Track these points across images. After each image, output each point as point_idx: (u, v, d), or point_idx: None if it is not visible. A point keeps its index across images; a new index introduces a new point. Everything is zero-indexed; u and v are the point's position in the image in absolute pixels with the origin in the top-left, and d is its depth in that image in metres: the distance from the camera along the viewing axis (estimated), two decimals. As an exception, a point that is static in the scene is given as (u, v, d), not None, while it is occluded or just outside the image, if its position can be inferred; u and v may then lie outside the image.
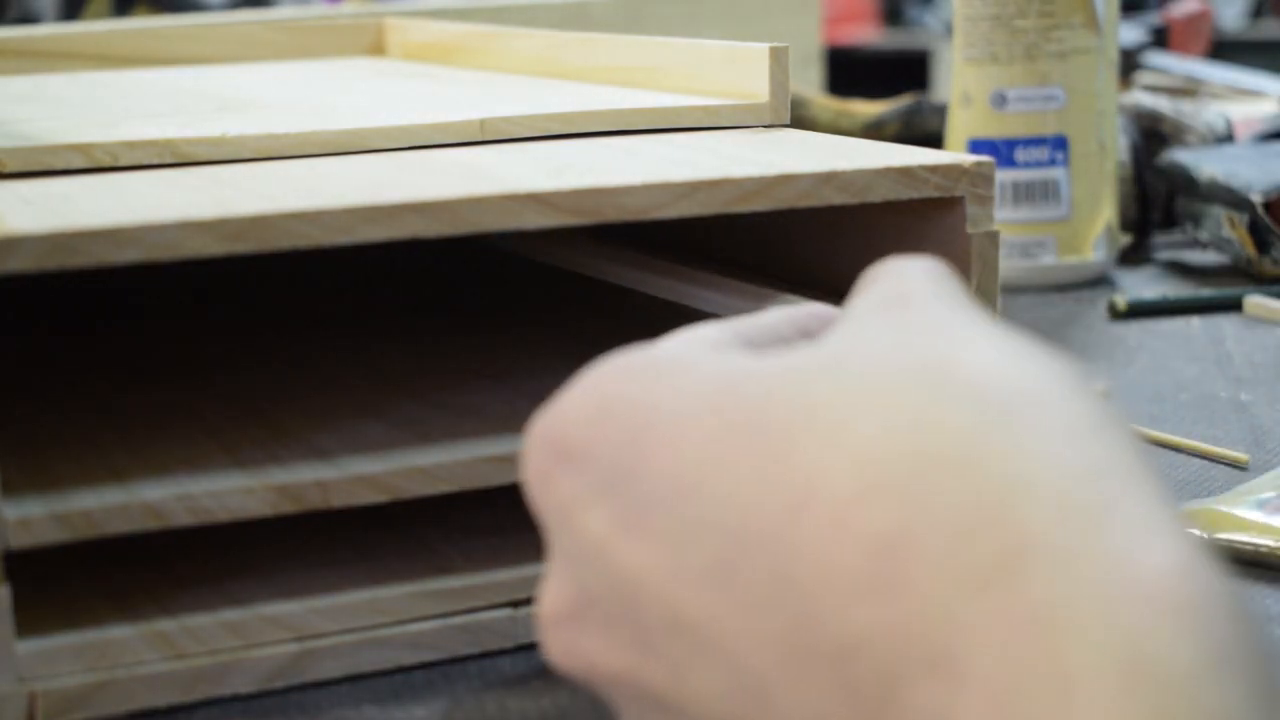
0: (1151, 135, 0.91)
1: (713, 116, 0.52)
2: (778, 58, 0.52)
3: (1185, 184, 0.84)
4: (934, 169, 0.42)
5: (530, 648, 0.41)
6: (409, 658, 0.40)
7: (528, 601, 0.41)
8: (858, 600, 0.24)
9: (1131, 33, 1.13)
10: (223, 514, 0.38)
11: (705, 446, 0.28)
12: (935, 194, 0.42)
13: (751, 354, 0.30)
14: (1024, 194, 0.80)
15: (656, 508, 0.28)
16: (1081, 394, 0.26)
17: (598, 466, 0.29)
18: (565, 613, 0.30)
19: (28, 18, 2.60)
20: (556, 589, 0.30)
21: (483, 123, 0.50)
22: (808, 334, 0.33)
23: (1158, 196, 0.89)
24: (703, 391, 0.29)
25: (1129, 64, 1.04)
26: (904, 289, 0.30)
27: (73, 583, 0.41)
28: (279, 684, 0.39)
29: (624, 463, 0.29)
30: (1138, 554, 0.23)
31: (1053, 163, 0.80)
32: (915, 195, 0.42)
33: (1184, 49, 1.25)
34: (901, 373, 0.27)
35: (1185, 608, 0.22)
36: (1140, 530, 0.23)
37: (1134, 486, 0.24)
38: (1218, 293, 0.77)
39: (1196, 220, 0.84)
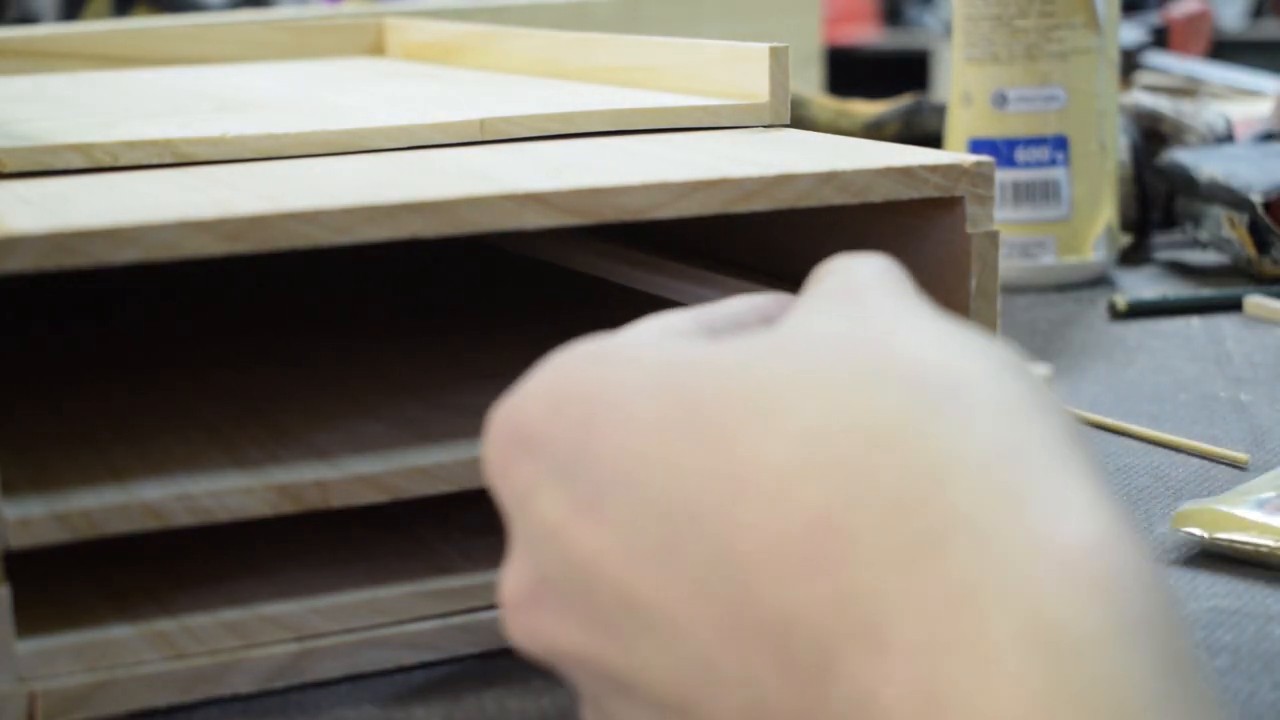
0: (1151, 135, 0.91)
1: (712, 116, 0.52)
2: (778, 58, 0.52)
3: (1185, 184, 0.84)
4: (934, 169, 0.42)
5: (530, 648, 0.41)
6: (409, 658, 0.40)
7: (528, 601, 0.41)
8: (793, 576, 0.25)
9: (1131, 33, 1.13)
10: (223, 514, 0.38)
11: (652, 433, 0.29)
12: (935, 194, 0.42)
13: (708, 340, 0.31)
14: (1024, 194, 0.80)
15: (608, 492, 0.29)
16: (1015, 377, 0.27)
17: (553, 454, 0.30)
18: (525, 596, 0.31)
19: (28, 18, 2.60)
20: (516, 573, 0.31)
21: (483, 123, 0.50)
22: (769, 320, 0.34)
23: (1158, 196, 0.89)
24: (651, 379, 0.30)
25: (1129, 64, 1.04)
26: (853, 282, 0.31)
27: (73, 583, 0.41)
28: (279, 684, 0.39)
29: (577, 450, 0.30)
30: (1055, 530, 0.24)
31: (1053, 163, 0.80)
32: (915, 195, 0.42)
33: (1184, 49, 1.25)
34: (841, 358, 0.28)
35: (1098, 580, 0.23)
36: (1059, 507, 0.24)
37: (1058, 465, 0.25)
38: (1218, 293, 0.77)
39: (1196, 220, 0.84)
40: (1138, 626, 0.23)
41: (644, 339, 0.32)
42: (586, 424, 0.30)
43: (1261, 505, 0.47)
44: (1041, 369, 0.33)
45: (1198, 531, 0.46)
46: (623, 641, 0.28)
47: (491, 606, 0.41)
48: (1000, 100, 0.80)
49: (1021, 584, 0.23)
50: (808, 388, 0.27)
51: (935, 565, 0.24)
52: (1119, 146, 0.84)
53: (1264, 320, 0.74)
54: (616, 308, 0.57)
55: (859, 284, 0.31)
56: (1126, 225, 0.87)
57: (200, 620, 0.39)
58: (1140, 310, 0.76)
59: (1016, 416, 0.26)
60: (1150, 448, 0.56)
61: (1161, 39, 1.21)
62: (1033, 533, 0.24)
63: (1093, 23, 0.79)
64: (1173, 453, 0.56)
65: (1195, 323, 0.74)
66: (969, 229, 0.43)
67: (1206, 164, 0.83)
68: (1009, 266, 0.81)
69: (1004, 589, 0.23)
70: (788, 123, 0.52)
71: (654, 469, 0.28)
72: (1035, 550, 0.24)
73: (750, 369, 0.28)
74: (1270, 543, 0.45)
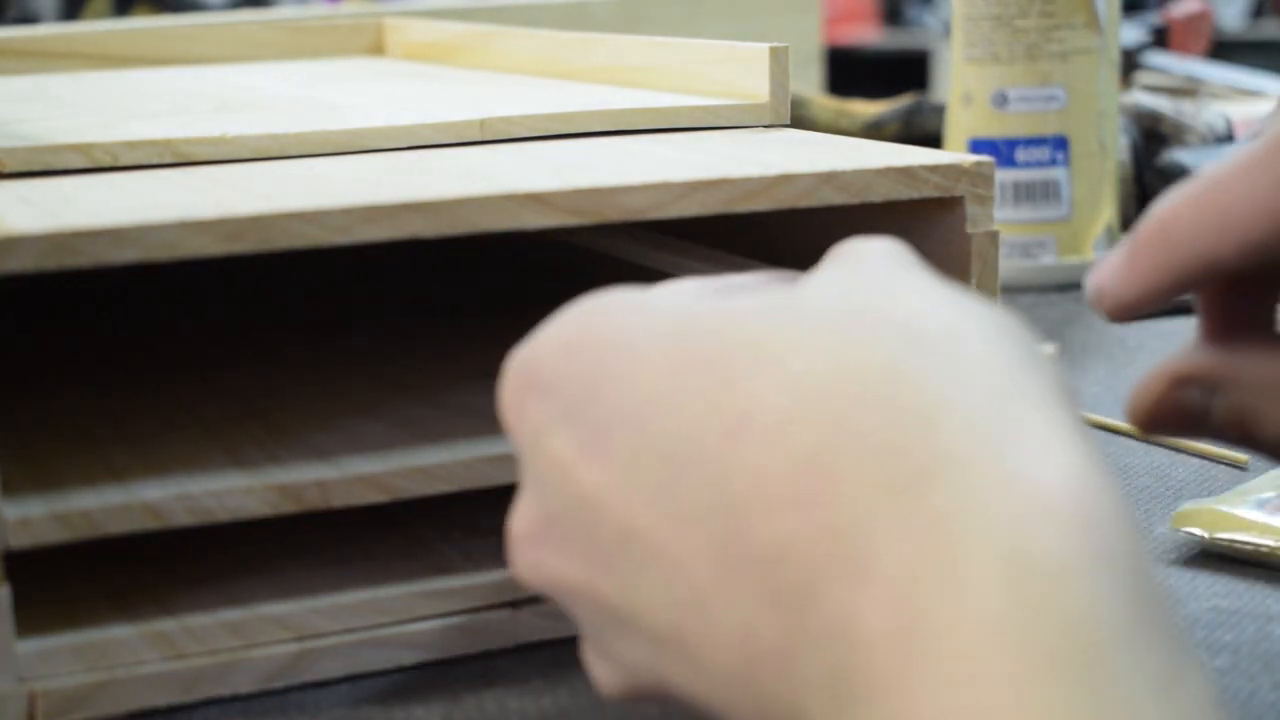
0: (1151, 135, 0.91)
1: (712, 116, 0.52)
2: (778, 58, 0.52)
3: (1185, 184, 0.84)
4: (934, 169, 0.42)
5: (530, 648, 0.41)
6: (409, 658, 0.40)
7: (528, 601, 0.41)
8: (784, 511, 0.26)
9: (1131, 33, 1.13)
10: (223, 514, 0.38)
11: (659, 375, 0.30)
12: (935, 194, 0.42)
13: (719, 299, 0.32)
14: (1024, 194, 0.80)
15: (614, 432, 0.30)
16: (1007, 335, 0.28)
17: (564, 395, 0.32)
18: (531, 532, 0.32)
19: (28, 18, 2.60)
20: (525, 510, 0.33)
21: (483, 123, 0.50)
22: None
23: (1158, 196, 0.89)
24: (661, 327, 0.31)
25: (1129, 64, 1.04)
26: (860, 252, 0.33)
27: (73, 583, 0.41)
28: (279, 684, 0.39)
29: (587, 392, 0.31)
30: (1035, 470, 0.25)
31: (1053, 163, 0.80)
32: (915, 195, 0.42)
33: (1184, 49, 1.25)
34: (840, 311, 0.29)
35: (1072, 516, 0.24)
36: (1041, 451, 0.25)
37: (1042, 414, 0.26)
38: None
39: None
40: (1109, 560, 0.24)
41: (658, 295, 0.33)
42: (597, 368, 0.31)
43: (1261, 505, 0.47)
44: (1047, 347, 0.33)
45: (1198, 531, 0.46)
46: (621, 575, 0.30)
47: (492, 606, 0.41)
48: (1001, 100, 0.80)
49: (1000, 518, 0.24)
50: (807, 337, 0.28)
51: (919, 499, 0.25)
52: (1119, 146, 0.84)
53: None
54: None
55: (866, 253, 0.33)
56: (1126, 225, 0.87)
57: (200, 620, 0.39)
58: (1140, 310, 0.75)
59: (1005, 369, 0.27)
60: (1150, 448, 0.56)
61: (1161, 39, 1.21)
62: (1014, 472, 0.25)
63: (1093, 23, 0.79)
64: (1173, 453, 0.56)
65: (1195, 323, 0.74)
66: (969, 229, 0.43)
67: (1206, 164, 0.83)
68: (1009, 266, 0.81)
69: (983, 522, 0.24)
70: (788, 123, 0.52)
71: (658, 410, 0.29)
72: (1015, 487, 0.25)
73: (754, 319, 0.30)
74: (1270, 543, 0.45)
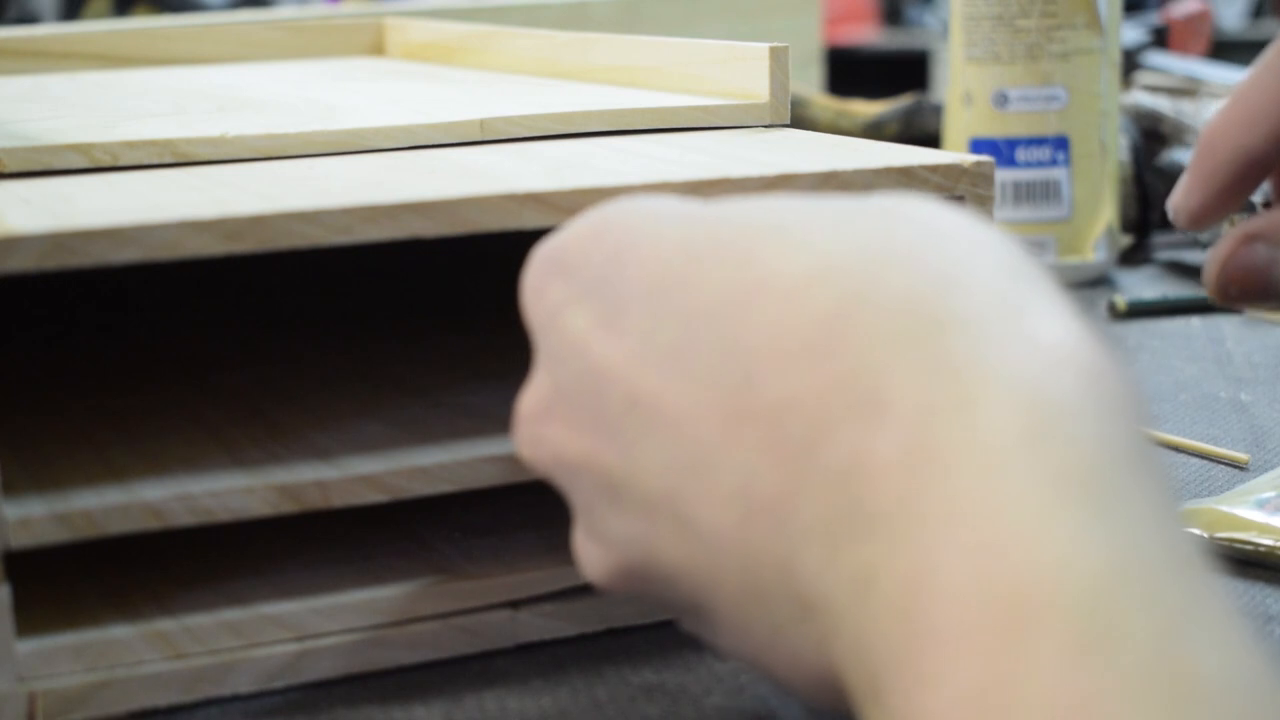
0: (1151, 135, 0.91)
1: (712, 116, 0.52)
2: (778, 58, 0.52)
3: (1185, 184, 0.84)
4: (934, 169, 0.42)
5: (530, 648, 0.41)
6: (409, 658, 0.40)
7: (528, 601, 0.41)
8: (795, 365, 0.27)
9: (1131, 33, 1.13)
10: (223, 514, 0.38)
11: (680, 256, 0.31)
12: (935, 194, 0.42)
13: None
14: (1025, 194, 0.80)
15: (631, 307, 0.31)
16: (1016, 244, 0.29)
17: (585, 276, 0.33)
18: (538, 409, 0.34)
19: (28, 18, 2.60)
20: (534, 389, 0.34)
21: (483, 123, 0.50)
22: None
23: (1158, 196, 0.89)
24: (686, 216, 0.32)
25: (1129, 64, 1.04)
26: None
27: (73, 583, 0.41)
28: (279, 684, 0.39)
29: (608, 272, 0.32)
30: (1045, 330, 0.26)
31: (1054, 163, 0.80)
32: (915, 195, 0.42)
33: (1184, 49, 1.25)
34: (864, 208, 0.30)
35: (1082, 367, 0.25)
36: (1049, 316, 0.27)
37: (1048, 293, 0.27)
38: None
39: (1202, 234, 0.84)
40: (1115, 406, 0.25)
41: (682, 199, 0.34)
42: (619, 250, 0.32)
43: (1261, 505, 0.47)
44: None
45: (1198, 531, 0.46)
46: (624, 442, 0.30)
47: (492, 606, 0.41)
48: (1001, 100, 0.80)
49: (1013, 364, 0.25)
50: (829, 221, 0.29)
51: (934, 348, 0.26)
52: (1119, 146, 0.84)
53: (1264, 320, 0.74)
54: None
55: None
56: (1126, 225, 0.87)
57: (200, 620, 0.39)
58: (1140, 310, 0.76)
59: (1014, 260, 0.28)
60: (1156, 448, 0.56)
61: (1161, 39, 1.21)
62: (1025, 330, 0.26)
63: (1094, 23, 0.79)
64: (1173, 453, 0.56)
65: (1195, 323, 0.74)
66: (969, 229, 0.43)
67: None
68: (1009, 266, 0.81)
69: (996, 367, 0.25)
70: (788, 123, 0.52)
71: (677, 284, 0.30)
72: (1027, 342, 0.26)
73: (777, 208, 0.31)
74: (1270, 543, 0.45)
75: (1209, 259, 0.39)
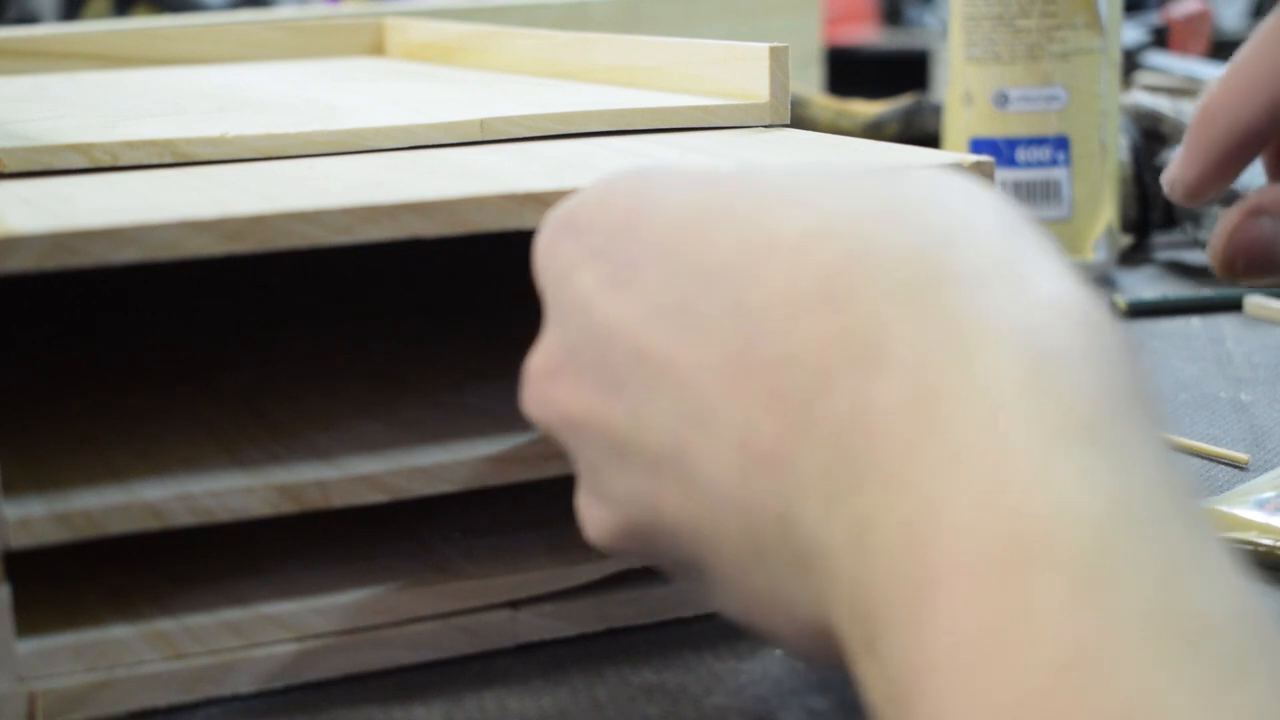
0: (1151, 135, 0.91)
1: (712, 116, 0.52)
2: (778, 57, 0.52)
3: (1185, 184, 0.84)
4: (933, 169, 0.42)
5: (530, 648, 0.41)
6: (409, 658, 0.40)
7: (528, 601, 0.41)
8: (799, 317, 0.28)
9: (1131, 33, 1.13)
10: (223, 514, 0.38)
11: (690, 216, 0.31)
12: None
13: None
14: (1025, 194, 0.80)
15: (640, 266, 0.31)
16: (1017, 210, 0.29)
17: (595, 237, 0.33)
18: (546, 368, 0.34)
19: (28, 18, 2.60)
20: (544, 348, 0.35)
21: (483, 123, 0.50)
22: None
23: (1158, 196, 0.89)
24: (697, 179, 0.33)
25: (1129, 64, 1.04)
26: None
27: (73, 582, 0.41)
28: (279, 684, 0.39)
29: (619, 232, 0.33)
30: (1045, 285, 0.26)
31: (1054, 163, 0.80)
32: (915, 195, 0.42)
33: (1184, 49, 1.25)
34: (870, 168, 0.31)
35: (1079, 317, 0.26)
36: (1048, 273, 0.27)
37: (1046, 250, 0.28)
38: (1218, 293, 0.77)
39: (1196, 220, 0.84)
40: (1112, 354, 0.25)
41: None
42: (630, 212, 0.33)
43: (1261, 505, 0.47)
44: None
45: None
46: (630, 398, 0.31)
47: (492, 606, 0.41)
48: (1002, 100, 0.80)
49: (1011, 314, 0.26)
50: (835, 181, 0.30)
51: (935, 300, 0.26)
52: (1119, 146, 0.84)
53: (1264, 320, 0.74)
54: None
55: None
56: (1126, 225, 0.87)
57: (200, 620, 0.39)
58: (1140, 310, 0.76)
59: (1014, 220, 0.29)
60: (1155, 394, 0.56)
61: (1161, 39, 1.21)
62: (1024, 283, 0.26)
63: (1095, 23, 0.78)
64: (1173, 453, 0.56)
65: (1195, 323, 0.74)
66: (969, 229, 0.43)
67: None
68: (1009, 266, 0.81)
69: (995, 317, 0.26)
70: (788, 123, 0.52)
71: (684, 243, 0.31)
72: (1026, 295, 0.26)
73: (782, 170, 0.31)
74: (1270, 542, 0.45)
75: (1214, 234, 0.39)
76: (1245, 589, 0.23)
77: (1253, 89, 0.37)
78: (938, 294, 0.26)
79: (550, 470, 0.41)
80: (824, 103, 0.98)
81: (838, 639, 0.26)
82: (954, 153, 0.44)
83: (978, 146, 0.81)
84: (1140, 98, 0.93)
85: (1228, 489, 0.51)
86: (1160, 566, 0.22)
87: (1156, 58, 1.07)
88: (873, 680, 0.25)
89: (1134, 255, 0.88)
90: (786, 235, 0.29)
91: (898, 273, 0.27)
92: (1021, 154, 0.80)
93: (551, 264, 0.34)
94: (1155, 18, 1.27)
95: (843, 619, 0.26)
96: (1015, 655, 0.22)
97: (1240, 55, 0.37)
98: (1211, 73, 0.99)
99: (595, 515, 0.34)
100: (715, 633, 0.41)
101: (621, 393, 0.31)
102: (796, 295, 0.28)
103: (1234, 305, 0.76)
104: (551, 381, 0.34)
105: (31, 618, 0.38)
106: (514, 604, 0.41)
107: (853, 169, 0.31)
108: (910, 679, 0.23)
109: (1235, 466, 0.54)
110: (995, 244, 0.27)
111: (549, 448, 0.41)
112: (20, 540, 0.36)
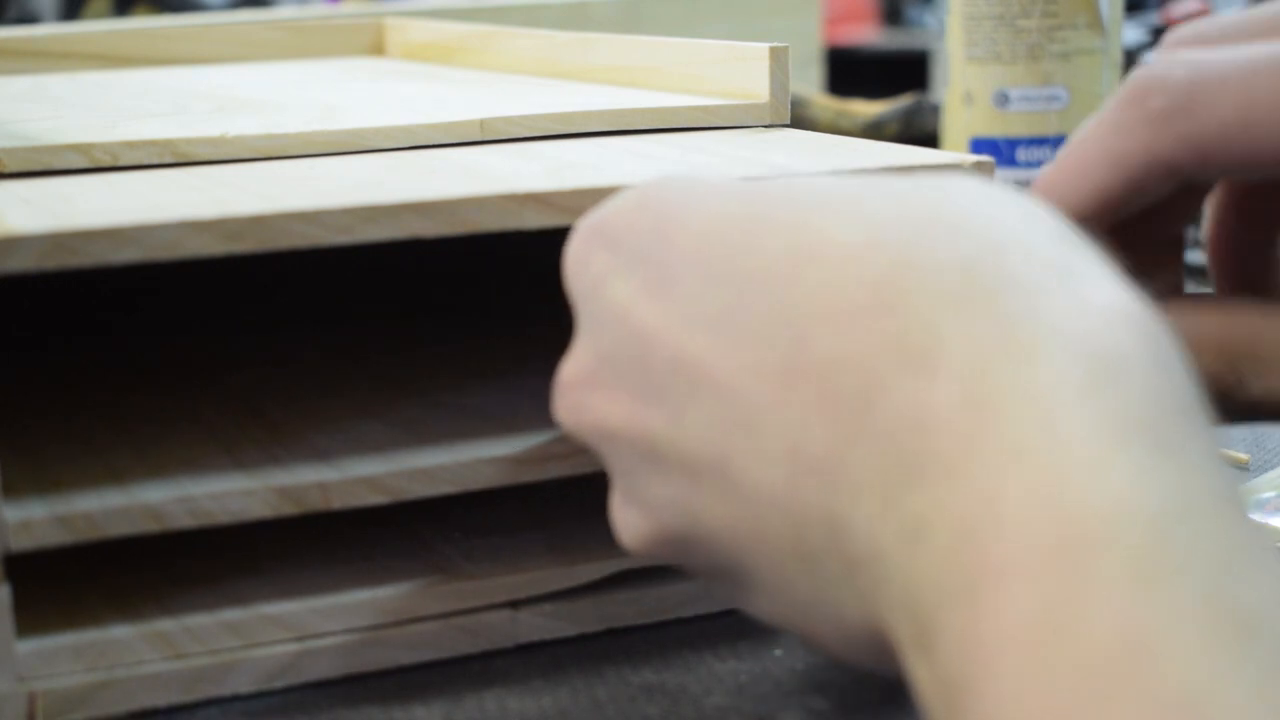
0: (1152, 135, 0.91)
1: (712, 116, 0.52)
2: (778, 57, 0.52)
3: (1185, 184, 0.84)
4: (934, 169, 0.42)
5: (530, 648, 0.41)
6: (409, 658, 0.40)
7: (528, 601, 0.41)
8: (850, 323, 0.27)
9: (1132, 33, 1.13)
10: (223, 516, 0.38)
11: (728, 221, 0.31)
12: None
13: None
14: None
15: (677, 273, 0.31)
16: (1064, 221, 0.29)
17: (629, 247, 0.33)
18: (579, 377, 0.34)
19: (28, 18, 2.60)
20: (577, 358, 0.34)
21: (483, 123, 0.50)
22: None
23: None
24: (733, 189, 0.32)
25: (1129, 64, 1.04)
26: None
27: (73, 583, 0.41)
28: (279, 684, 0.39)
29: (654, 241, 0.32)
30: (1100, 292, 0.26)
31: (1053, 162, 0.80)
32: (915, 195, 0.42)
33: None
34: (913, 183, 0.30)
35: (1136, 324, 0.26)
36: (1099, 280, 0.27)
37: (1097, 261, 0.28)
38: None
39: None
40: (1166, 360, 0.25)
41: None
42: (665, 220, 0.32)
43: (1261, 505, 0.47)
44: None
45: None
46: (670, 404, 0.31)
47: (492, 606, 0.41)
48: (1002, 100, 0.80)
49: (1067, 320, 0.26)
50: (879, 192, 0.30)
51: (988, 307, 0.26)
52: (1119, 146, 0.84)
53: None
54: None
55: None
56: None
57: (200, 620, 0.39)
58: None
59: (1062, 229, 0.28)
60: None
61: (1161, 39, 1.21)
62: (1081, 292, 0.26)
63: (1096, 23, 0.79)
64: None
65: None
66: (969, 229, 0.43)
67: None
68: (1009, 266, 0.81)
69: (1051, 323, 0.26)
70: (788, 123, 0.52)
71: (725, 250, 0.31)
72: (1082, 301, 0.26)
73: (824, 182, 0.31)
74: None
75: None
76: None
77: (1080, 178, 0.36)
78: (992, 300, 0.26)
79: (551, 471, 0.41)
80: (824, 103, 0.98)
81: (887, 640, 0.27)
82: (955, 153, 0.44)
83: (978, 146, 0.81)
84: (1140, 97, 0.93)
85: (1228, 489, 0.51)
86: (1215, 563, 0.22)
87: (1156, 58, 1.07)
88: (926, 679, 0.25)
89: (1134, 255, 0.88)
90: (832, 245, 0.29)
91: (950, 279, 0.27)
92: (1022, 154, 0.80)
93: (584, 273, 0.34)
94: (1155, 18, 1.27)
95: (895, 620, 0.26)
96: (1072, 645, 0.22)
97: (1075, 137, 0.37)
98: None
99: (630, 522, 0.33)
100: (715, 633, 0.41)
101: (660, 400, 0.31)
102: (846, 301, 0.28)
103: (1234, 305, 0.76)
104: (585, 390, 0.34)
105: (31, 618, 0.38)
106: (514, 604, 0.41)
107: (893, 180, 0.31)
108: (967, 673, 0.23)
109: (1235, 466, 0.54)
110: (1047, 251, 0.27)
111: (550, 449, 0.41)
112: (20, 542, 0.36)
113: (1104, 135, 0.35)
